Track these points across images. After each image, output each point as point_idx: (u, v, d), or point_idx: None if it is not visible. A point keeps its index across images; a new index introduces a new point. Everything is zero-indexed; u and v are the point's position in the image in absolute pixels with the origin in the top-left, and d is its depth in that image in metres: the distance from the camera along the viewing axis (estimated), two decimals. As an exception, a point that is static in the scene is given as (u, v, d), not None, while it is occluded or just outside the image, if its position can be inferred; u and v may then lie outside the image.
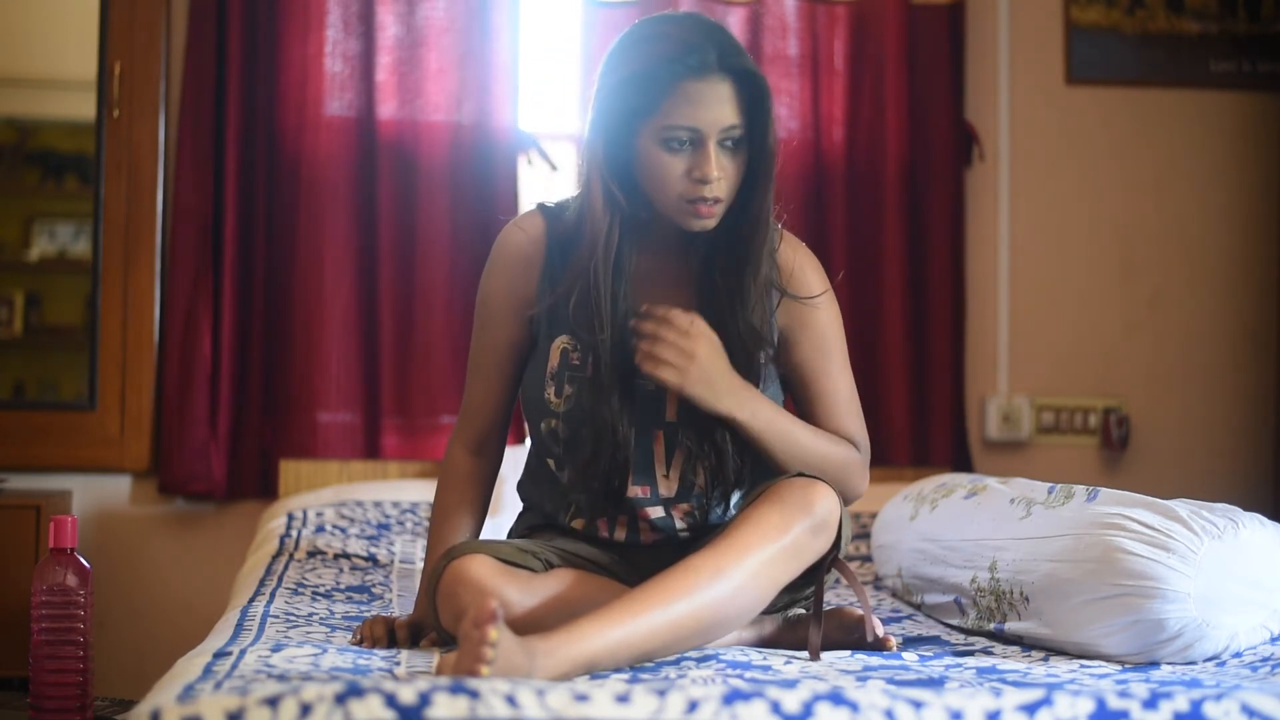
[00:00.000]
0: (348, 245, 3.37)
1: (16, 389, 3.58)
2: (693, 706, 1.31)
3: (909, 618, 2.28)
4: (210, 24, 3.32)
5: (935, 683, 1.64)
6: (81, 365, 3.38)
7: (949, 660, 1.86)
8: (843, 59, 3.56)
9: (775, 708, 1.31)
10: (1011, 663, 1.85)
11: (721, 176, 1.87)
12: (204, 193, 3.32)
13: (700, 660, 1.75)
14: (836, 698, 1.33)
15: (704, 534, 1.96)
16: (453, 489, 2.06)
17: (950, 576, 2.20)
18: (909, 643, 2.04)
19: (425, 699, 1.28)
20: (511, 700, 1.29)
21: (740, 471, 1.98)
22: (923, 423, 3.56)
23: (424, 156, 3.40)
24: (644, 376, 1.92)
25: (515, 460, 2.78)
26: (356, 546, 2.75)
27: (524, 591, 1.79)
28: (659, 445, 1.97)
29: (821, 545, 1.82)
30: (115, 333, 3.34)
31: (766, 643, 1.95)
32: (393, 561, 2.67)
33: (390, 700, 1.27)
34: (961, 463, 3.57)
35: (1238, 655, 1.86)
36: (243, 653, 1.67)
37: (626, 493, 1.96)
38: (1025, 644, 2.01)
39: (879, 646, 1.94)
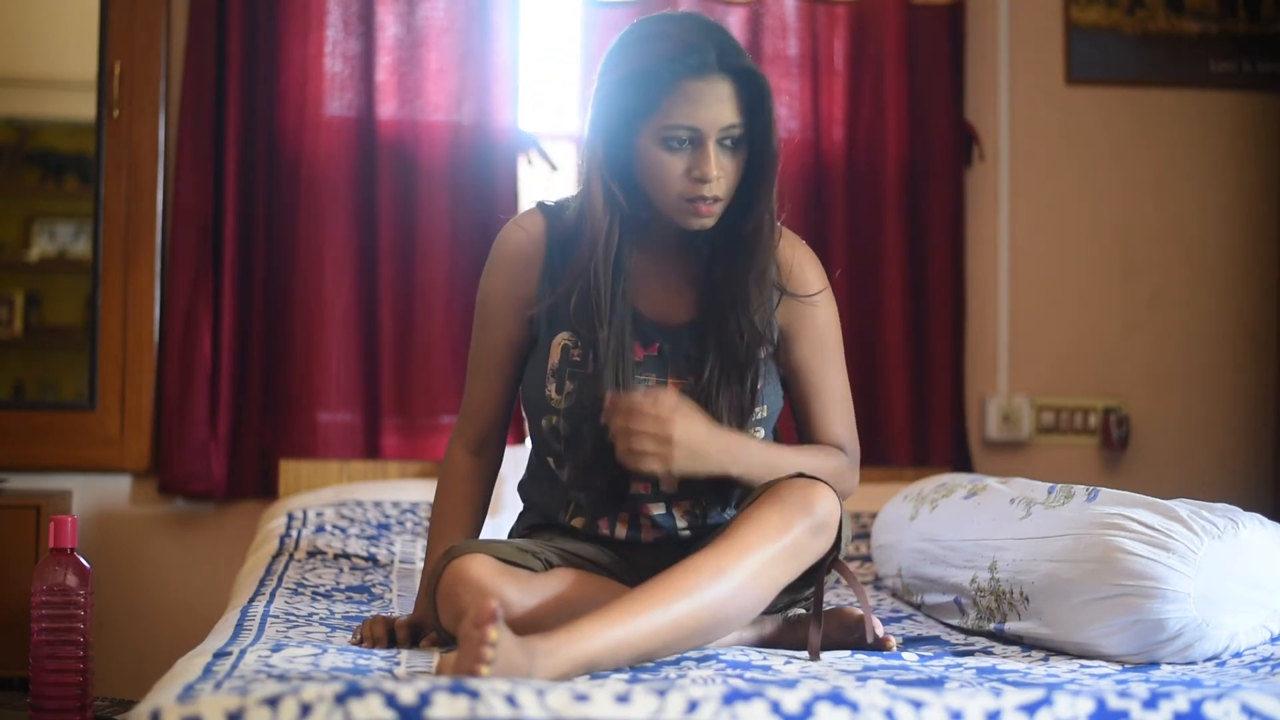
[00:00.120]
0: (348, 245, 3.37)
1: (16, 389, 3.58)
2: (693, 706, 1.31)
3: (909, 618, 2.28)
4: (210, 24, 3.32)
5: (935, 683, 1.64)
6: (81, 365, 3.38)
7: (949, 660, 1.86)
8: (843, 59, 3.56)
9: (775, 708, 1.31)
10: (1011, 663, 1.85)
11: (721, 175, 1.87)
12: (204, 193, 3.32)
13: (700, 660, 1.75)
14: (836, 698, 1.33)
15: (705, 533, 1.96)
16: (453, 489, 2.06)
17: (950, 576, 2.20)
18: (909, 643, 2.04)
19: (425, 699, 1.28)
20: (511, 700, 1.29)
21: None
22: (923, 423, 3.56)
23: (424, 156, 3.40)
24: (644, 374, 1.93)
25: (515, 460, 2.79)
26: (356, 546, 2.75)
27: (524, 591, 1.79)
28: (659, 441, 1.97)
29: (822, 546, 1.82)
30: (115, 333, 3.34)
31: (766, 643, 1.95)
32: (393, 561, 2.67)
33: (390, 700, 1.27)
34: (961, 463, 3.57)
35: (1238, 655, 1.86)
36: (243, 653, 1.67)
37: (629, 489, 1.96)
38: (1025, 644, 2.01)
39: (879, 646, 1.94)
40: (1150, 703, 1.37)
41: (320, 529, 2.86)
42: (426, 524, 2.94)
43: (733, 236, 1.94)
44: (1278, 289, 3.73)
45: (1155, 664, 1.84)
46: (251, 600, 2.17)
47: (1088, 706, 1.36)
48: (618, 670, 1.67)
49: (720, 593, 1.71)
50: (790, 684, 1.42)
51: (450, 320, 3.38)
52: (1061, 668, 1.81)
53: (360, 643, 1.86)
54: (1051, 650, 1.96)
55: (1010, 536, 2.07)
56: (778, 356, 2.01)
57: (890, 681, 1.63)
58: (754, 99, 1.87)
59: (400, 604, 2.23)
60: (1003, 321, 3.67)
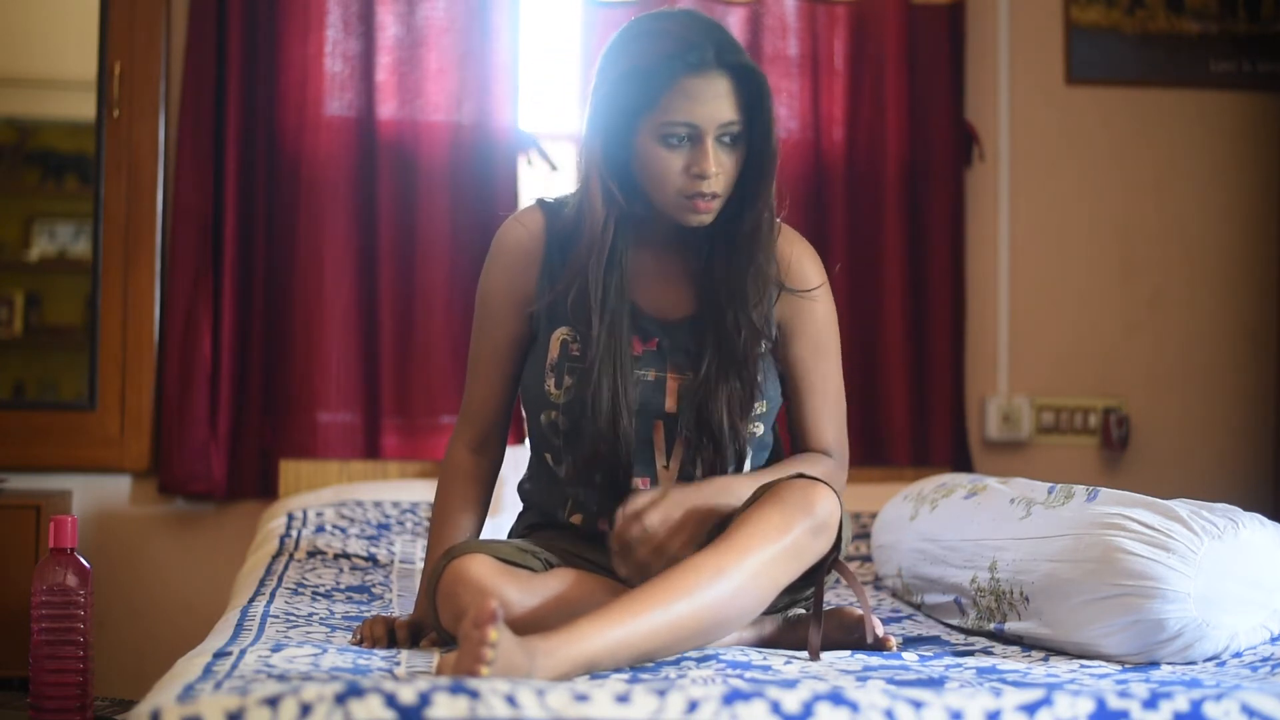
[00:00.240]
0: (348, 245, 3.37)
1: (16, 389, 3.58)
2: (693, 706, 1.31)
3: (909, 618, 2.28)
4: (210, 24, 3.32)
5: (935, 683, 1.64)
6: (81, 365, 3.38)
7: (949, 660, 1.86)
8: (843, 59, 3.56)
9: (775, 708, 1.31)
10: (1011, 663, 1.85)
11: (719, 172, 1.88)
12: (204, 193, 3.32)
13: (700, 660, 1.75)
14: (836, 698, 1.33)
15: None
16: (454, 488, 2.06)
17: (950, 576, 2.20)
18: (909, 643, 2.04)
19: (425, 699, 1.28)
20: (511, 700, 1.29)
21: (739, 464, 1.98)
22: (923, 423, 3.56)
23: (424, 156, 3.40)
24: (642, 369, 1.94)
25: (516, 460, 2.79)
26: (356, 546, 2.75)
27: (524, 591, 1.79)
28: (658, 435, 1.97)
29: (822, 546, 1.82)
30: (115, 333, 3.34)
31: (766, 643, 1.95)
32: (393, 561, 2.67)
33: (390, 700, 1.27)
34: (961, 463, 3.57)
35: (1238, 655, 1.86)
36: (243, 653, 1.67)
37: (629, 484, 1.96)
38: (1025, 644, 2.00)
39: (879, 646, 1.94)
40: (1150, 703, 1.37)
41: (320, 529, 2.86)
42: (426, 524, 2.94)
43: (731, 233, 1.95)
44: (1278, 289, 3.73)
45: (1155, 664, 1.84)
46: (251, 600, 2.17)
47: (1088, 706, 1.36)
48: (618, 670, 1.66)
49: (720, 593, 1.71)
50: (790, 684, 1.42)
51: (450, 320, 3.38)
52: (1061, 668, 1.81)
53: (360, 643, 1.86)
54: (1051, 650, 1.96)
55: (1010, 536, 2.07)
56: (776, 352, 2.02)
57: (890, 681, 1.62)
58: (753, 96, 1.88)
59: (400, 604, 2.23)
60: (1003, 321, 3.67)
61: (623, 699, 1.31)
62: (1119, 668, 1.82)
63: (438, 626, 1.83)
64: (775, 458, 2.07)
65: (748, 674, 1.69)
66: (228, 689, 1.35)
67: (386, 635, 1.87)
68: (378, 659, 1.75)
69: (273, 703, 1.27)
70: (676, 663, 1.74)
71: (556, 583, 1.83)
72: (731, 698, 1.32)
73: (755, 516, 1.78)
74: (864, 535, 2.93)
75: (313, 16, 3.36)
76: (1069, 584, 1.90)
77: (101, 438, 3.33)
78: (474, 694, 1.29)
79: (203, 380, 3.29)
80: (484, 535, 2.10)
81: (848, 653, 1.90)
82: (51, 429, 3.34)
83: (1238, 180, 3.75)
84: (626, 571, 1.85)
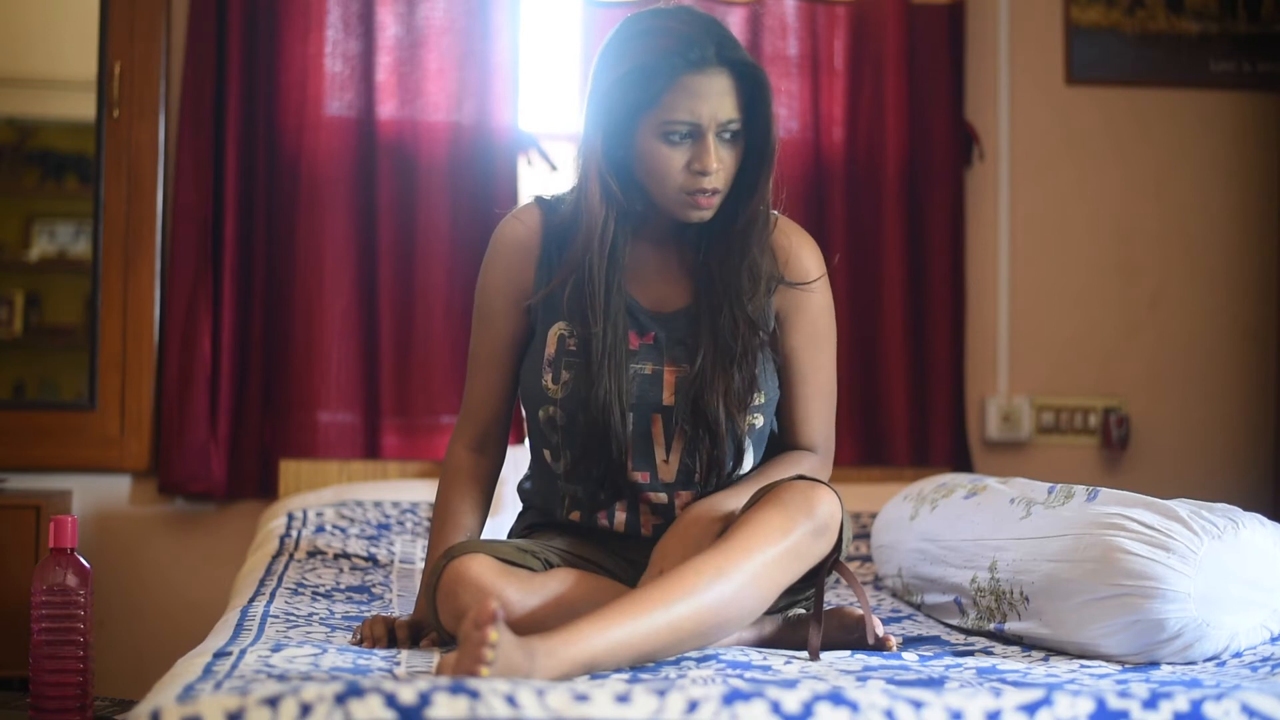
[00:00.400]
0: (348, 245, 3.37)
1: (16, 389, 3.58)
2: (693, 706, 1.31)
3: (909, 618, 2.28)
4: (210, 24, 3.32)
5: (935, 683, 1.64)
6: (81, 365, 3.38)
7: (949, 660, 1.86)
8: (842, 59, 3.56)
9: (775, 708, 1.31)
10: (1011, 663, 1.85)
11: (720, 168, 1.88)
12: (204, 193, 3.32)
13: (700, 660, 1.75)
14: (836, 698, 1.33)
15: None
16: (454, 488, 2.06)
17: (950, 576, 2.20)
18: (909, 643, 2.04)
19: (425, 699, 1.28)
20: (511, 700, 1.29)
21: (738, 457, 1.98)
22: (923, 423, 3.56)
23: (424, 156, 3.40)
24: (639, 363, 1.94)
25: (516, 460, 2.79)
26: (356, 546, 2.75)
27: (524, 591, 1.79)
28: (657, 428, 1.97)
29: (823, 548, 1.82)
30: (115, 333, 3.34)
31: (767, 643, 1.95)
32: (393, 561, 2.67)
33: (390, 700, 1.27)
34: (961, 463, 3.57)
35: (1238, 655, 1.86)
36: (243, 653, 1.67)
37: (626, 478, 1.96)
38: (1025, 644, 2.01)
39: (879, 647, 1.94)
40: (1150, 703, 1.37)
41: (320, 529, 2.86)
42: (427, 524, 2.94)
43: (727, 227, 1.95)
44: (1278, 289, 3.73)
45: (1155, 664, 1.84)
46: (251, 600, 2.17)
47: (1088, 706, 1.36)
48: (618, 670, 1.66)
49: (721, 594, 1.71)
50: (790, 684, 1.42)
51: (450, 320, 3.38)
52: (1061, 668, 1.81)
53: (360, 643, 1.86)
54: (1051, 650, 1.96)
55: (1010, 536, 2.07)
56: (773, 343, 2.02)
57: (890, 681, 1.62)
58: (752, 92, 1.88)
59: (400, 604, 2.23)
60: (1003, 321, 3.67)
61: (623, 699, 1.31)
62: (1119, 668, 1.82)
63: (438, 626, 1.83)
64: (773, 450, 2.07)
65: (748, 674, 1.69)
66: (228, 689, 1.35)
67: (386, 635, 1.87)
68: (378, 659, 1.75)
69: (273, 703, 1.27)
70: (676, 663, 1.74)
71: (556, 583, 1.83)
72: (731, 698, 1.32)
73: (756, 518, 1.78)
74: (864, 535, 2.93)
75: (313, 16, 3.36)
76: (1069, 584, 1.90)
77: (101, 438, 3.33)
78: (474, 694, 1.29)
79: (202, 380, 3.29)
80: (484, 535, 2.10)
81: (848, 653, 1.90)
82: (51, 429, 3.34)
83: (1238, 180, 3.75)
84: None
